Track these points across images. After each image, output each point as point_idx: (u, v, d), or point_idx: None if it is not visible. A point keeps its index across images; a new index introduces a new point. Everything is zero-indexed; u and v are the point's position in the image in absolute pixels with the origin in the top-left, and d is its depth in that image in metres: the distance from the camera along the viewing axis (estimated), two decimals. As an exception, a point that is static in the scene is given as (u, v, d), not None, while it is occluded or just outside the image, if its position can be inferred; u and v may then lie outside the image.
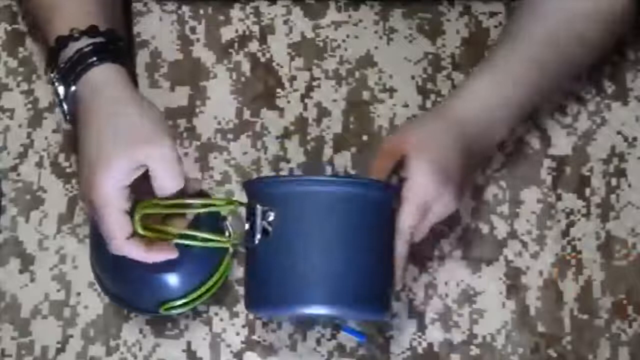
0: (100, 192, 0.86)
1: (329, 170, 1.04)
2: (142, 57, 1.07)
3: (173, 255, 0.89)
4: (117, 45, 0.93)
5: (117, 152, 0.86)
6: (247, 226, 0.88)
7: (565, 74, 1.00)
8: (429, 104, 1.07)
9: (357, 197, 0.87)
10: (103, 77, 0.90)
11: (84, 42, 0.91)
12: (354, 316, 0.96)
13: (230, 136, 1.05)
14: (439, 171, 0.90)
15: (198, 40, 1.08)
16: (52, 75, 0.92)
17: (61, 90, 0.92)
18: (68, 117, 0.93)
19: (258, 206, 0.87)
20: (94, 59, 0.90)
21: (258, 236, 0.87)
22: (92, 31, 0.92)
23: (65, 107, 0.92)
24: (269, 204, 0.87)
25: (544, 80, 0.97)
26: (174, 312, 0.96)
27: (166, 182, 0.88)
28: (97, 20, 0.92)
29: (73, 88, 0.91)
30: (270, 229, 0.87)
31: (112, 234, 0.87)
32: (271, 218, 0.87)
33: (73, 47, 0.91)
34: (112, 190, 0.86)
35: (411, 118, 1.05)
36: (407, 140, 0.93)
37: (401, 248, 0.90)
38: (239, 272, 1.02)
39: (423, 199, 0.90)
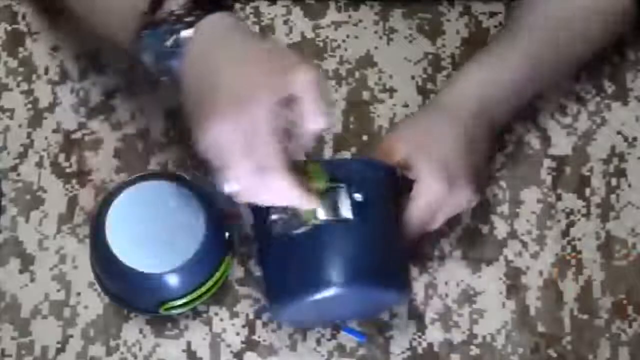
0: (252, 117, 0.79)
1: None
2: (142, 57, 1.07)
3: (314, 205, 0.86)
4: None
5: (260, 82, 0.81)
6: (322, 212, 0.88)
7: (564, 71, 1.01)
8: (429, 104, 1.07)
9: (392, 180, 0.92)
10: (219, 22, 0.85)
11: None
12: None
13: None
14: (444, 169, 0.91)
15: (198, 40, 1.08)
16: (146, 31, 0.86)
17: (169, 41, 0.85)
18: (171, 72, 0.86)
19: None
20: (208, 6, 0.85)
21: (348, 215, 0.88)
22: None
23: (169, 63, 0.85)
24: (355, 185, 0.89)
25: (542, 77, 0.98)
26: (174, 312, 0.96)
27: (314, 116, 0.81)
28: None
29: (185, 32, 0.84)
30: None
31: (270, 161, 0.80)
32: (359, 199, 0.89)
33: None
34: (265, 112, 0.79)
35: (410, 115, 1.05)
36: (407, 139, 0.93)
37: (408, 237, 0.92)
38: (239, 272, 1.02)
39: (433, 198, 0.91)
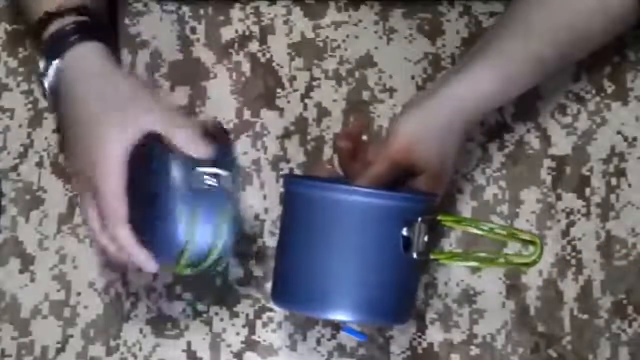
0: (99, 173, 0.86)
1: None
2: (142, 57, 1.07)
3: (151, 269, 0.88)
4: (102, 25, 0.94)
5: (120, 122, 0.87)
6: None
7: (561, 68, 1.01)
8: (429, 104, 1.07)
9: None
10: (88, 54, 0.92)
11: (69, 20, 0.92)
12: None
13: (230, 136, 1.05)
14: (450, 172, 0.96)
15: (198, 40, 1.08)
16: (36, 49, 0.94)
17: (42, 64, 0.92)
18: (47, 93, 0.93)
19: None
20: (77, 36, 0.91)
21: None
22: (80, 10, 0.93)
23: (45, 83, 0.92)
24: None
25: (542, 76, 0.98)
26: (188, 271, 0.89)
27: (189, 149, 0.88)
28: (85, 1, 0.94)
29: (56, 62, 0.91)
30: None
31: (115, 216, 0.86)
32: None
33: (58, 24, 0.92)
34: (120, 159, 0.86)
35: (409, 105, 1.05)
36: (413, 147, 0.93)
37: None
38: (239, 272, 1.02)
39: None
